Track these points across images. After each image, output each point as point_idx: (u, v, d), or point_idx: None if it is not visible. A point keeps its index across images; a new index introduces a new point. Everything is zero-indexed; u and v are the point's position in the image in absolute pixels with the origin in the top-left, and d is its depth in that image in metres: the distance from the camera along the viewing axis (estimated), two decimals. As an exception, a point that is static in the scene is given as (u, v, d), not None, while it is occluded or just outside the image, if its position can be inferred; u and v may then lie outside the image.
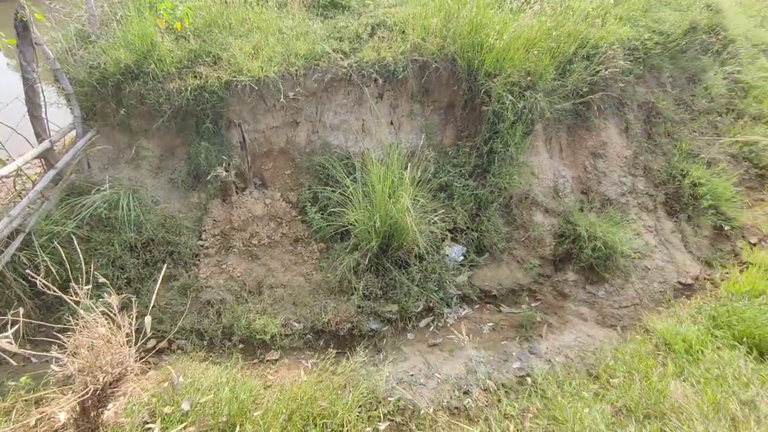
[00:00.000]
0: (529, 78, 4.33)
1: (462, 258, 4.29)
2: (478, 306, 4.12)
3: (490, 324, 3.94)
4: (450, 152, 4.57)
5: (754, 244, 4.46)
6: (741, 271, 4.10)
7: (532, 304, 4.14)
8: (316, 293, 3.93)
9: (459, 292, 4.11)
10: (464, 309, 4.08)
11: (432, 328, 3.88)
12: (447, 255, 4.25)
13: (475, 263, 4.28)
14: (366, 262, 3.92)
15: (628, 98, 4.98)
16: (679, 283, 4.27)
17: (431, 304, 3.95)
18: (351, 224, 3.91)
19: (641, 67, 4.93)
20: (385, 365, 3.41)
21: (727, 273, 4.21)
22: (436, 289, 3.99)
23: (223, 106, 4.13)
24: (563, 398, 2.80)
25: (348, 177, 4.16)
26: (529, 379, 3.25)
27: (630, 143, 4.93)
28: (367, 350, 3.50)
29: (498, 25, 4.14)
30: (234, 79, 4.05)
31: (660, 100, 5.06)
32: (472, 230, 4.33)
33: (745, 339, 3.27)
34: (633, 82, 4.96)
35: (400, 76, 4.33)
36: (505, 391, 3.15)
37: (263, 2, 4.79)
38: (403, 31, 4.55)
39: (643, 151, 4.93)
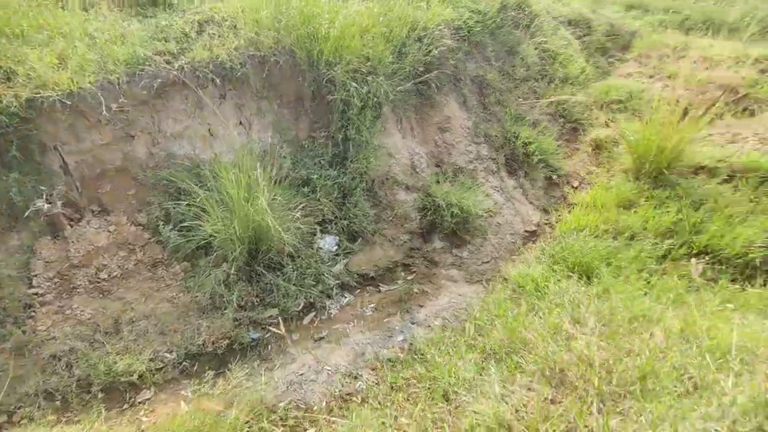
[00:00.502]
0: (369, 63, 4.47)
1: (336, 248, 4.33)
2: (358, 291, 4.22)
3: (372, 305, 4.07)
4: (306, 145, 4.55)
5: (576, 187, 5.27)
6: (569, 212, 4.82)
7: (408, 278, 4.37)
8: (186, 316, 3.65)
9: (338, 282, 4.16)
10: (346, 297, 4.15)
11: (316, 323, 3.88)
12: (321, 248, 4.26)
13: (350, 250, 4.36)
14: (236, 272, 3.75)
15: (462, 74, 5.45)
16: (526, 231, 4.87)
17: (312, 300, 3.94)
18: (211, 236, 3.68)
19: (467, 45, 5.42)
20: (273, 372, 3.33)
21: (560, 215, 4.92)
22: (315, 283, 3.98)
23: (31, 128, 3.53)
24: (440, 357, 3.03)
25: (201, 187, 3.89)
26: (412, 348, 3.44)
27: (470, 115, 5.43)
28: (250, 362, 3.37)
29: (328, 13, 4.18)
30: (38, 95, 3.47)
31: (488, 73, 5.63)
32: (341, 219, 4.40)
33: (576, 268, 3.87)
34: (463, 59, 5.44)
35: (239, 74, 4.14)
36: (392, 365, 3.30)
37: (63, 3, 4.16)
38: (235, 26, 4.35)
39: (481, 120, 5.46)
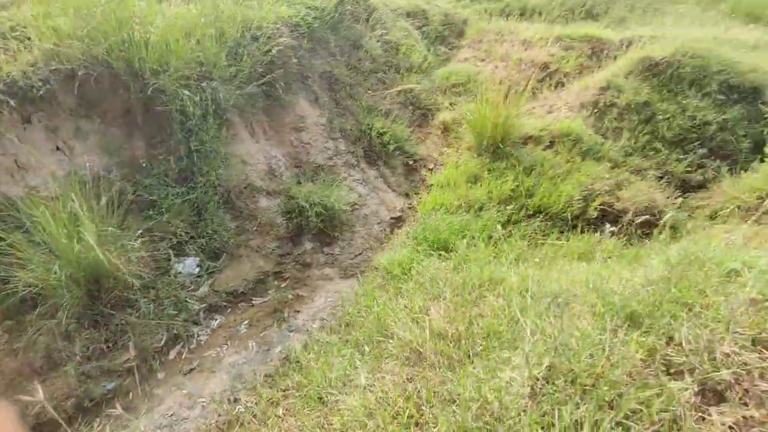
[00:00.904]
0: (202, 68, 4.19)
1: (198, 269, 4.03)
2: (229, 310, 3.99)
3: (246, 322, 3.89)
4: (145, 164, 4.11)
5: (431, 169, 5.63)
6: (428, 194, 5.12)
7: (282, 285, 4.26)
8: (16, 384, 3.08)
9: (205, 305, 3.88)
10: (216, 319, 3.89)
11: (184, 354, 3.57)
12: (179, 272, 3.92)
13: (214, 269, 4.09)
14: (76, 320, 3.26)
15: (309, 71, 5.41)
16: (392, 218, 5.07)
17: (176, 331, 3.62)
18: (32, 286, 3.14)
19: (308, 41, 5.39)
20: (138, 420, 2.99)
21: (420, 198, 5.21)
22: (177, 312, 3.66)
23: None
24: (314, 361, 3.01)
25: (17, 230, 3.29)
26: (288, 358, 3.36)
27: (323, 111, 5.43)
28: (107, 418, 2.99)
29: (140, 17, 3.80)
30: None
31: (335, 68, 5.68)
32: (199, 237, 4.09)
33: (436, 246, 4.14)
34: (308, 56, 5.39)
35: (43, 93, 3.57)
36: (270, 380, 3.19)
37: None
38: (28, 38, 3.72)
39: (335, 116, 5.51)
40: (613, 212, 4.44)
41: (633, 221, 4.13)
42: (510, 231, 4.33)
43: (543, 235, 4.29)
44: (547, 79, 6.50)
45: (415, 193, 5.39)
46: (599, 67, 6.22)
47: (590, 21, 8.40)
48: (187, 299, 3.78)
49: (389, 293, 3.52)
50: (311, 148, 5.13)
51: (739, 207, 4.30)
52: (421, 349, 2.42)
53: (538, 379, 1.80)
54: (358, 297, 3.85)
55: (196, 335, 3.71)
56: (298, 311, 4.04)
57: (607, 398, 1.64)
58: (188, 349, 3.61)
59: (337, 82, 5.69)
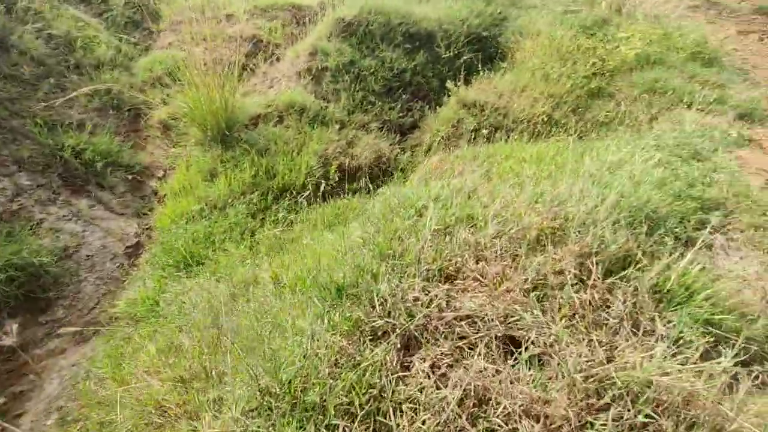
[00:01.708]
0: None
1: None
2: None
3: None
4: None
5: (162, 177, 4.90)
6: (163, 206, 4.44)
7: (-18, 392, 3.11)
8: None
9: None
10: None
11: None
12: None
13: None
14: None
15: None
16: (127, 248, 4.24)
17: None
18: None
19: None
20: None
21: (156, 213, 4.48)
22: None
23: None
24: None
25: None
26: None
27: (-24, 143, 4.01)
28: None
29: None
30: None
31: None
32: None
33: (183, 264, 3.62)
34: None
35: None
36: None
37: None
38: None
39: (2, 145, 4.15)
40: (351, 170, 4.68)
41: (367, 174, 4.41)
42: (261, 220, 4.12)
43: (296, 213, 4.22)
44: (262, 52, 6.30)
45: (149, 210, 4.62)
46: (305, 34, 6.32)
47: (290, -12, 8.45)
48: None
49: (134, 343, 2.92)
50: (-28, 196, 3.77)
51: (443, 137, 5.06)
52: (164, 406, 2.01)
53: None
54: (96, 366, 3.10)
55: None
56: (22, 413, 3.04)
57: (316, 402, 1.53)
58: None
59: (-14, 100, 4.25)
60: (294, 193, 4.37)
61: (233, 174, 4.43)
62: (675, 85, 4.94)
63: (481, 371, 1.50)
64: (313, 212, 4.14)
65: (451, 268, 1.85)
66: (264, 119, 5.09)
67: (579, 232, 2.04)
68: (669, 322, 1.71)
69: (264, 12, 6.85)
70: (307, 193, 4.36)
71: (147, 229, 4.46)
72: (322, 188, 4.42)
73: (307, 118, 5.10)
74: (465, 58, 5.97)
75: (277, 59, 6.17)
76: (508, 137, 4.65)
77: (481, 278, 1.80)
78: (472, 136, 4.87)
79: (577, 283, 1.82)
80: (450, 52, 5.99)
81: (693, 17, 7.76)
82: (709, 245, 2.56)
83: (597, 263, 1.93)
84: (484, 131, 4.89)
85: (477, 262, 1.89)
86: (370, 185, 4.51)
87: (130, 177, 4.74)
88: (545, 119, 4.86)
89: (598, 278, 1.83)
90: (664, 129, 4.08)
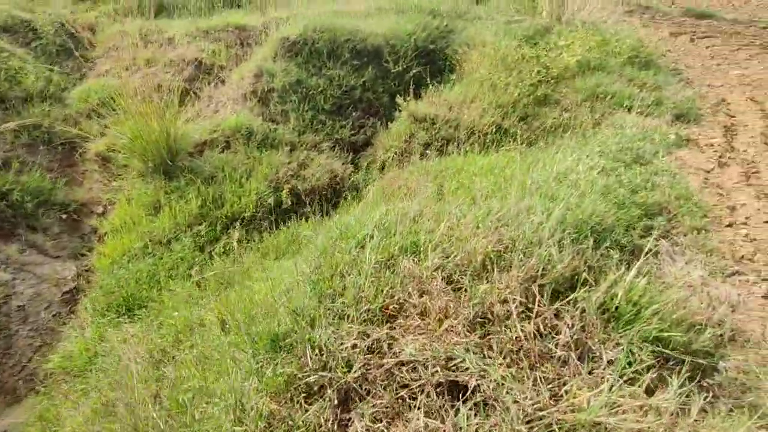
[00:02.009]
0: None
1: None
2: None
3: None
4: None
5: (102, 213, 4.61)
6: (104, 245, 4.16)
7: None
8: None
9: None
10: None
11: None
12: None
13: None
14: None
15: None
16: (64, 294, 3.94)
17: None
18: None
19: None
20: None
21: (97, 253, 4.20)
22: None
23: None
24: None
25: None
26: None
27: None
28: None
29: None
30: None
31: None
32: None
33: (124, 308, 3.38)
34: None
35: None
36: None
37: None
38: None
39: None
40: (304, 193, 4.54)
41: (321, 196, 4.29)
42: (210, 252, 3.91)
43: (246, 243, 4.04)
44: (206, 76, 6.10)
45: (89, 250, 4.32)
46: (249, 55, 6.16)
47: (235, 9, 8.28)
48: None
49: (70, 403, 2.66)
50: None
51: (395, 153, 5.01)
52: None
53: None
54: (36, 425, 2.82)
55: None
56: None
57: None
58: None
59: None
60: (244, 221, 4.19)
61: (178, 206, 4.20)
62: (615, 89, 5.09)
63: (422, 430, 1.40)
64: (265, 241, 3.98)
65: (393, 305, 1.76)
66: (210, 145, 4.89)
67: (524, 254, 1.99)
68: (617, 345, 1.68)
69: (207, 34, 6.65)
70: (258, 220, 4.19)
71: (86, 271, 4.16)
72: (273, 215, 4.26)
73: (255, 142, 4.93)
74: (414, 71, 5.96)
75: (222, 82, 5.98)
76: (460, 149, 4.64)
77: (423, 316, 1.71)
78: (425, 150, 4.84)
79: (523, 311, 1.77)
80: (399, 66, 5.98)
81: (629, 21, 8.10)
82: (655, 252, 2.59)
83: (543, 286, 1.89)
84: (436, 144, 4.87)
85: (421, 296, 1.81)
86: (325, 207, 4.39)
87: (65, 216, 4.43)
88: (495, 129, 4.89)
89: (544, 304, 1.78)
90: (606, 134, 4.17)
